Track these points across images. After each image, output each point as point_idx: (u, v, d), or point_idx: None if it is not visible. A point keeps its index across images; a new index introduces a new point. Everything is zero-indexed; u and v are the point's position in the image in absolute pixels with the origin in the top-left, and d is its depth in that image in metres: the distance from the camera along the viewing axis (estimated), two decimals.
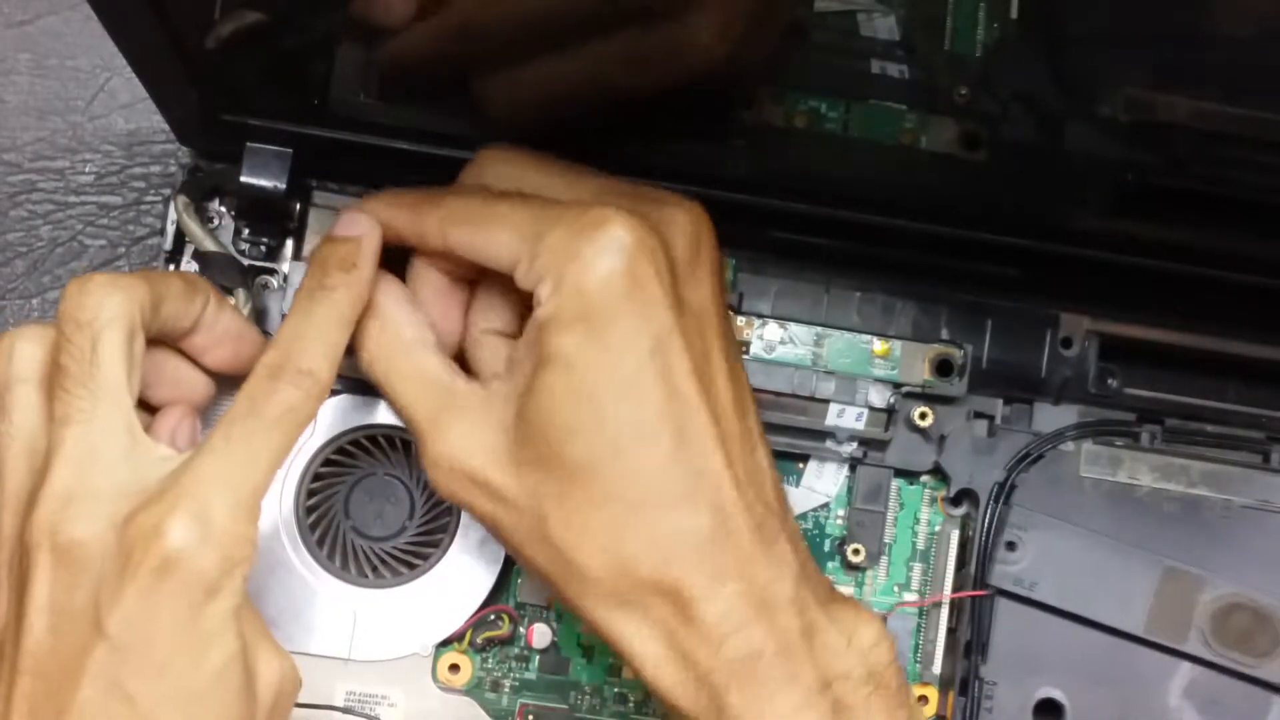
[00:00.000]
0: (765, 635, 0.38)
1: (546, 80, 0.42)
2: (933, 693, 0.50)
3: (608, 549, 0.39)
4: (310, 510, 0.48)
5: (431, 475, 0.42)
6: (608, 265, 0.38)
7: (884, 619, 0.44)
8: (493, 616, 0.49)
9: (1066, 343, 0.50)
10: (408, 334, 0.42)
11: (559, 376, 0.38)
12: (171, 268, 0.48)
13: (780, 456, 0.50)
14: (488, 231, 0.40)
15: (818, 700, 0.38)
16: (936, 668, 0.50)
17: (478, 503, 0.41)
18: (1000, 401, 0.50)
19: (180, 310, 0.42)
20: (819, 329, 0.49)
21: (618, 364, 0.38)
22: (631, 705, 0.49)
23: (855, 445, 0.50)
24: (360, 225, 0.42)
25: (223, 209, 0.48)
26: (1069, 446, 0.50)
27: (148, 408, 0.43)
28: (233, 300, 0.48)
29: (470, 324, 0.43)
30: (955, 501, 0.50)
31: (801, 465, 0.50)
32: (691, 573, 0.38)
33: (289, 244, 0.48)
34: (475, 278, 0.43)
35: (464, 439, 0.41)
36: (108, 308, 0.39)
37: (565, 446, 0.39)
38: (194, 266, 0.48)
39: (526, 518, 0.40)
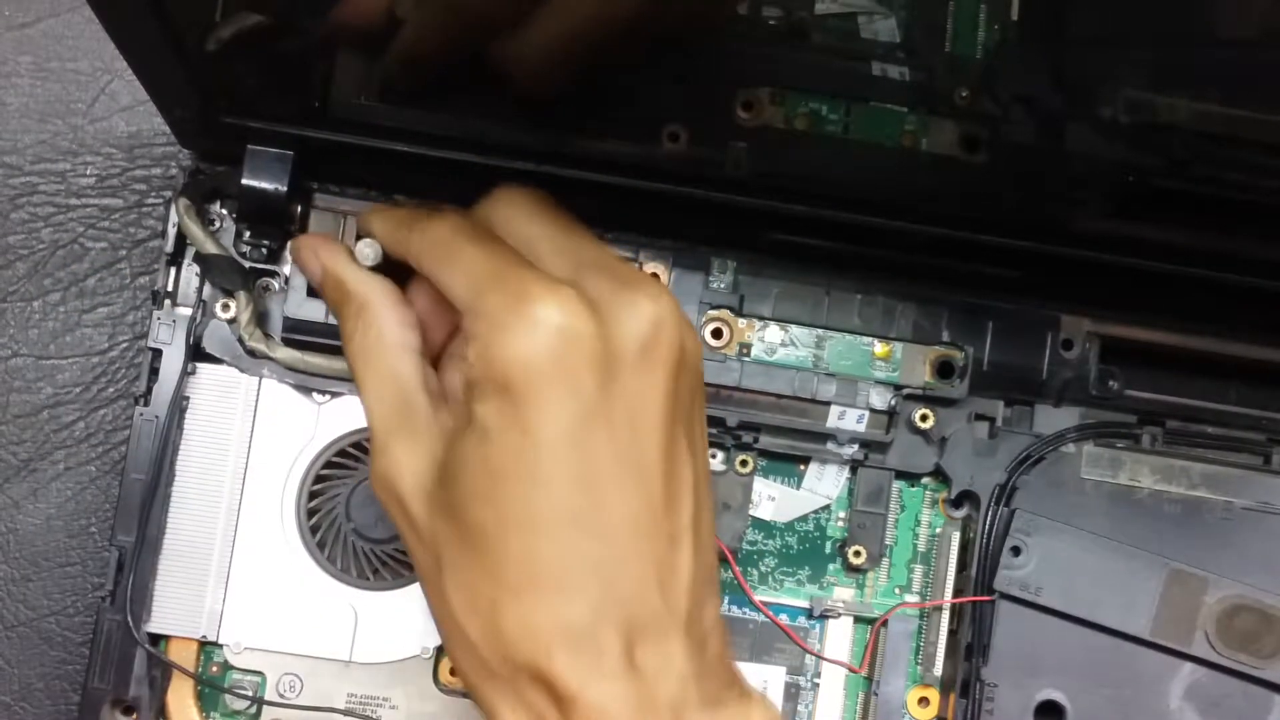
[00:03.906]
0: None
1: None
2: (934, 694, 0.50)
3: (488, 622, 0.38)
4: (312, 513, 0.48)
5: (371, 478, 0.42)
6: (530, 344, 0.37)
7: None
8: None
9: (1067, 344, 0.50)
10: (390, 336, 0.42)
11: (476, 443, 0.38)
12: (173, 270, 0.48)
13: (781, 459, 0.50)
14: (448, 269, 0.40)
15: None
16: (938, 669, 0.50)
17: (398, 521, 0.41)
18: (1001, 403, 0.50)
19: None
20: (820, 331, 0.49)
21: (530, 447, 0.37)
22: None
23: (856, 447, 0.50)
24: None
25: (224, 211, 0.48)
26: (1070, 448, 0.50)
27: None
28: (233, 303, 0.48)
29: (451, 344, 0.44)
30: (956, 503, 0.50)
31: (803, 467, 0.51)
32: (567, 665, 0.37)
33: (290, 246, 0.48)
34: None
35: (402, 458, 0.40)
36: None
37: (469, 509, 0.38)
38: (195, 269, 0.48)
39: (428, 557, 0.39)
